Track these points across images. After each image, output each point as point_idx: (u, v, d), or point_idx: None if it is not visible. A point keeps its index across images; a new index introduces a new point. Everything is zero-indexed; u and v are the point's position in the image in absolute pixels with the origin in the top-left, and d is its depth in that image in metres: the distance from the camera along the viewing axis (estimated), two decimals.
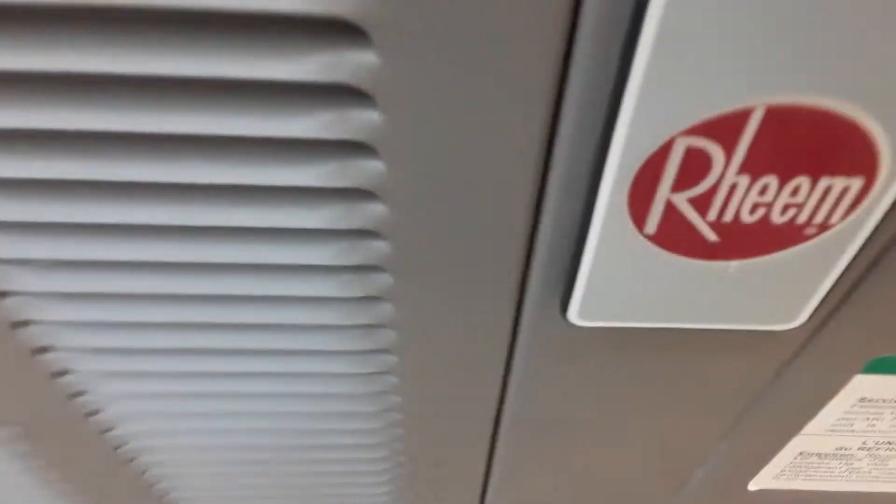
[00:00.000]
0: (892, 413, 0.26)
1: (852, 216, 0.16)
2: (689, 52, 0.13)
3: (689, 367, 0.23)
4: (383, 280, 0.19)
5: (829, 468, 0.30)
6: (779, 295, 0.19)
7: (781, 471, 0.31)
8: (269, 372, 0.23)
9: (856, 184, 0.16)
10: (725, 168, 0.15)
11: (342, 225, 0.17)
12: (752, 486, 0.32)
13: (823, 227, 0.17)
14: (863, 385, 0.24)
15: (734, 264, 0.18)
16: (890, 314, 0.21)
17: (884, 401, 0.25)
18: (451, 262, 0.19)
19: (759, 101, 0.14)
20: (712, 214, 0.16)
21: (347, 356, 0.23)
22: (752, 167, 0.15)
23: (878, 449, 0.29)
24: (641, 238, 0.17)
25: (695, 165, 0.15)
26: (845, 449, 0.29)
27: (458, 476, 0.33)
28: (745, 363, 0.23)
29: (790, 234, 0.17)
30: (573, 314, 0.20)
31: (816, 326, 0.21)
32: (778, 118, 0.14)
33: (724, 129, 0.15)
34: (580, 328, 0.21)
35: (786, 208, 0.16)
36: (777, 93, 0.14)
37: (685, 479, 0.33)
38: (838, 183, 0.16)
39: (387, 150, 0.16)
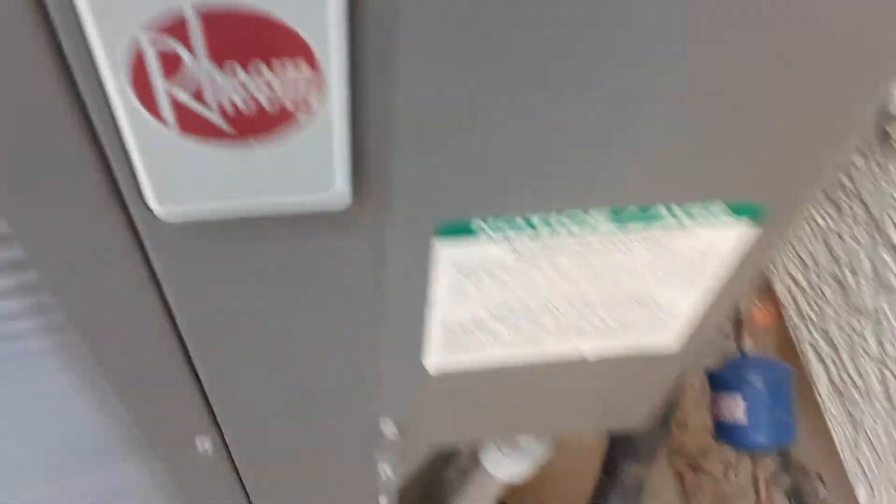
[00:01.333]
0: (492, 278, 0.32)
1: (321, 97, 0.22)
2: None
3: (293, 257, 0.28)
4: None
5: (477, 338, 0.36)
6: (309, 168, 0.24)
7: (441, 345, 0.37)
8: None
9: (303, 64, 0.21)
10: (196, 62, 0.20)
11: None
12: (428, 362, 0.38)
13: (306, 108, 0.22)
14: (450, 252, 0.30)
15: (257, 146, 0.23)
16: (434, 178, 0.27)
17: (477, 266, 0.31)
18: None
19: (187, 4, 0.19)
20: (211, 102, 0.21)
21: None
22: (217, 54, 0.20)
23: (502, 316, 0.35)
24: (164, 127, 0.22)
25: (171, 61, 0.20)
26: (477, 317, 0.35)
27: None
28: (335, 243, 0.28)
29: (285, 117, 0.22)
30: (154, 205, 0.24)
31: (370, 201, 0.27)
32: (212, 18, 0.19)
33: (176, 29, 0.19)
34: (179, 229, 0.25)
35: (269, 88, 0.21)
36: None
37: (375, 374, 0.38)
38: (293, 64, 0.21)
39: None
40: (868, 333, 0.86)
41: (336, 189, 0.25)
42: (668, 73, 0.23)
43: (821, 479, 1.09)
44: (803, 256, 0.99)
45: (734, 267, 0.34)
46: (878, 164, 0.80)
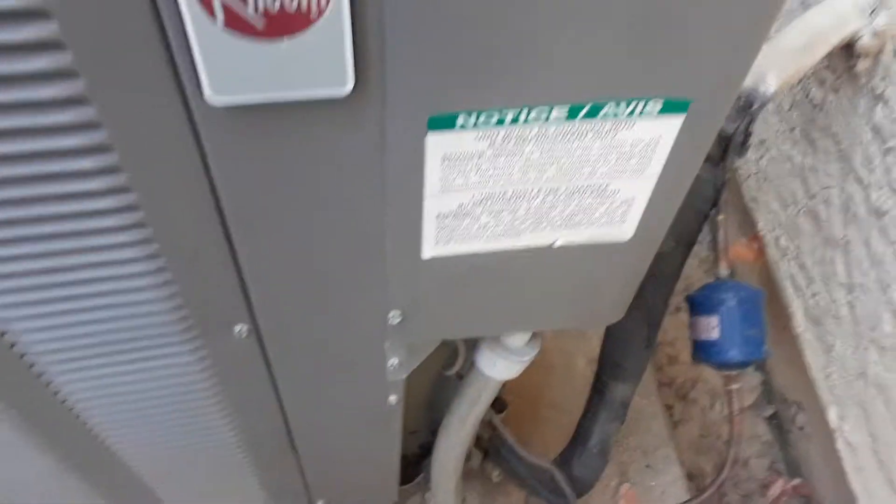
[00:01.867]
0: (474, 167, 0.40)
1: (332, 2, 0.29)
2: None
3: (311, 142, 0.35)
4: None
5: (466, 227, 0.44)
6: (323, 62, 0.31)
7: (436, 237, 0.44)
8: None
9: None
10: None
11: None
12: (425, 253, 0.45)
13: (320, 10, 0.29)
14: (439, 143, 0.37)
15: (284, 43, 0.30)
16: (419, 75, 0.34)
17: (460, 156, 0.39)
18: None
19: None
20: (250, 7, 0.28)
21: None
22: None
23: (484, 203, 0.42)
24: (219, 30, 0.29)
25: None
26: (463, 205, 0.42)
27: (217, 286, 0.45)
28: (345, 135, 0.35)
29: (303, 19, 0.29)
30: (207, 92, 0.31)
31: (371, 92, 0.34)
32: None
33: None
34: (224, 112, 0.33)
35: (291, 1, 0.29)
36: None
37: (382, 260, 0.45)
38: None
39: None
40: (838, 262, 0.93)
41: (349, 85, 0.32)
42: None
43: (799, 407, 1.17)
44: (783, 194, 1.05)
45: (675, 158, 0.41)
46: (848, 100, 0.87)
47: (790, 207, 1.04)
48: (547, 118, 0.37)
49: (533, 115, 0.37)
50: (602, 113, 0.37)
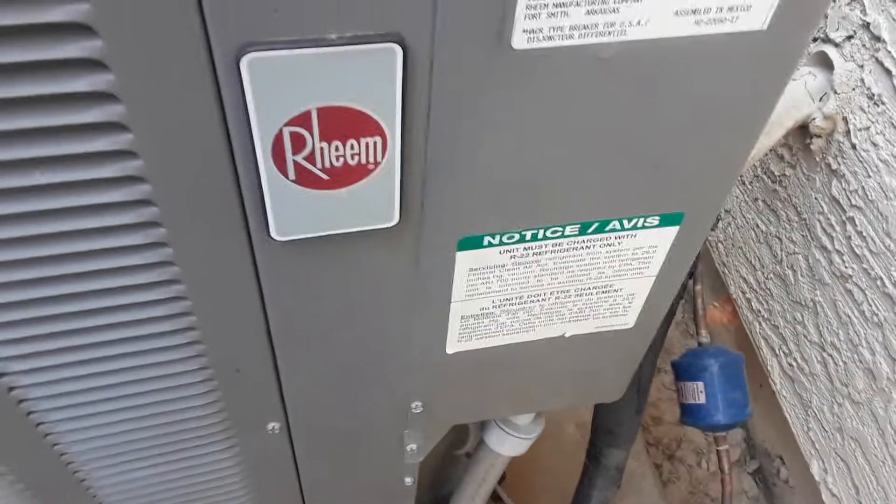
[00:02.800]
0: (496, 277, 0.44)
1: (386, 156, 0.34)
2: (272, 91, 0.30)
3: (355, 263, 0.40)
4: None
5: (486, 326, 0.48)
6: (376, 203, 0.36)
7: (459, 335, 0.48)
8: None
9: (377, 138, 0.33)
10: (314, 140, 0.32)
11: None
12: (449, 349, 0.50)
13: (376, 163, 0.34)
14: (466, 259, 0.42)
15: (344, 191, 0.35)
16: (454, 208, 0.39)
17: (484, 268, 0.43)
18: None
19: (311, 106, 0.31)
20: (318, 165, 0.33)
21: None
22: (327, 136, 0.32)
23: (503, 305, 0.47)
24: (290, 183, 0.34)
25: (299, 139, 0.32)
26: (484, 308, 0.47)
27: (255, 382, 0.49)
28: (386, 258, 0.40)
29: (363, 169, 0.34)
30: (274, 232, 0.36)
31: (412, 223, 0.39)
32: (326, 111, 0.31)
33: (304, 120, 0.31)
34: (286, 244, 0.37)
35: (353, 155, 0.33)
36: (321, 100, 0.31)
37: (408, 357, 0.50)
38: (372, 139, 0.33)
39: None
40: (809, 323, 1.00)
41: (395, 220, 0.37)
42: (610, 139, 0.36)
43: (781, 461, 1.21)
44: (751, 259, 1.12)
45: (671, 258, 0.46)
46: (805, 175, 0.94)
47: (759, 272, 1.11)
48: (561, 234, 0.42)
49: (549, 233, 0.42)
50: (609, 227, 0.43)
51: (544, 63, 0.32)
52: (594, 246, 0.44)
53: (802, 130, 0.91)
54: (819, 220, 0.95)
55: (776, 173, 1.02)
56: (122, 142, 0.31)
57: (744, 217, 1.13)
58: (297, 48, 0.29)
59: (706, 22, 0.32)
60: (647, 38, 0.32)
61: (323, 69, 0.30)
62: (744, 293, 1.17)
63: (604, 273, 0.46)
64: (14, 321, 0.38)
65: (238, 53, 0.28)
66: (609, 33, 0.32)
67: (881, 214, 0.84)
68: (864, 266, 0.88)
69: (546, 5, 0.30)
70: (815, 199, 0.94)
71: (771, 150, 1.00)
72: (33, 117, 0.29)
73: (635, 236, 0.44)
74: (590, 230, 0.42)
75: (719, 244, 1.21)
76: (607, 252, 0.45)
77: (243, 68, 0.29)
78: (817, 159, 0.92)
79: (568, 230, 0.42)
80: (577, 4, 0.30)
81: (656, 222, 0.43)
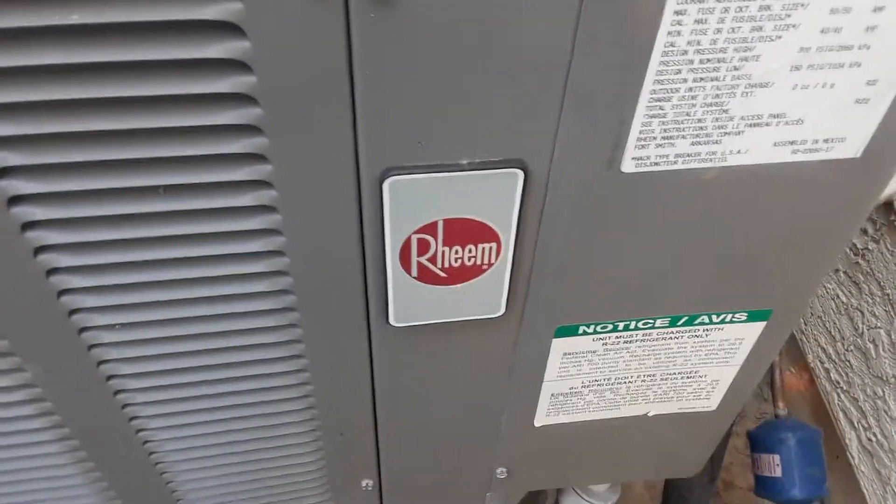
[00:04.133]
0: (587, 360, 0.47)
1: (499, 259, 0.37)
2: (406, 205, 0.34)
3: (460, 346, 0.44)
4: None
5: (573, 403, 0.51)
6: (486, 298, 0.40)
7: (547, 410, 0.51)
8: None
9: (493, 244, 0.37)
10: (437, 244, 0.36)
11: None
12: (537, 422, 0.53)
13: (489, 264, 0.38)
14: (561, 345, 0.45)
15: (459, 286, 0.39)
16: (555, 302, 0.42)
17: (577, 353, 0.46)
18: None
19: (438, 218, 0.35)
20: (439, 265, 0.37)
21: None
22: (449, 242, 0.36)
23: (591, 386, 0.50)
24: (412, 279, 0.38)
25: (424, 244, 0.36)
26: (573, 388, 0.50)
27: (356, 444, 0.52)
28: (488, 342, 0.44)
29: (477, 269, 0.38)
30: (392, 320, 0.40)
31: (516, 313, 0.42)
32: (451, 222, 0.35)
33: (430, 228, 0.35)
34: (401, 329, 0.41)
35: (470, 258, 0.37)
36: (448, 213, 0.35)
37: (498, 427, 0.53)
38: (488, 245, 0.37)
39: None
40: (890, 399, 0.98)
41: (501, 311, 0.41)
42: (705, 247, 0.39)
43: None
44: (831, 330, 1.11)
45: (757, 349, 0.48)
46: (889, 250, 0.94)
47: (839, 343, 1.10)
48: (652, 326, 0.45)
49: (641, 324, 0.45)
50: (697, 321, 0.45)
51: (649, 184, 0.35)
52: (682, 336, 0.46)
53: (887, 206, 0.91)
54: None
55: (859, 246, 1.01)
56: (271, 221, 0.35)
57: (824, 287, 1.12)
58: (433, 172, 0.33)
59: (803, 151, 0.35)
60: (747, 164, 0.35)
61: (452, 188, 0.34)
62: (822, 363, 1.15)
63: (689, 360, 0.48)
64: (157, 371, 0.43)
65: (382, 176, 0.33)
66: (711, 160, 0.35)
67: None
68: None
69: (654, 137, 0.33)
70: None
71: None
72: (197, 200, 0.33)
73: (723, 329, 0.46)
74: (679, 322, 0.45)
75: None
76: (694, 342, 0.47)
77: (385, 188, 0.33)
78: None
79: (659, 322, 0.45)
80: (683, 137, 0.33)
81: (744, 318, 0.45)
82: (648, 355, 0.48)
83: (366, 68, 0.29)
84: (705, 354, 0.48)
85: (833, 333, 1.11)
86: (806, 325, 1.18)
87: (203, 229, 0.34)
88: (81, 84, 0.28)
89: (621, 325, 0.45)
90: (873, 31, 0.30)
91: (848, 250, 1.04)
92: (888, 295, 0.97)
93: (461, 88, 0.30)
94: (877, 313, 1.00)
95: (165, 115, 0.29)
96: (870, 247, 0.99)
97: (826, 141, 0.35)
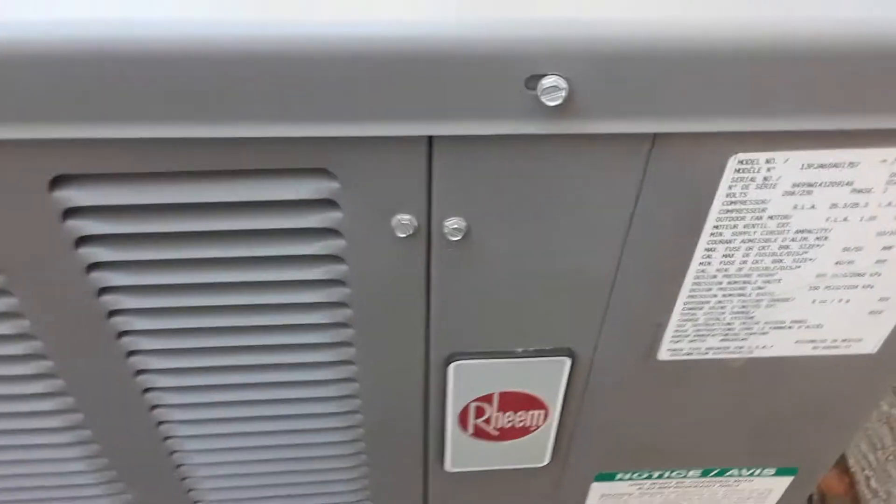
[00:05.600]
0: (623, 502, 0.51)
1: (546, 422, 0.42)
2: (467, 381, 0.39)
3: (508, 486, 0.48)
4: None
5: None
6: (532, 452, 0.44)
7: None
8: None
9: (541, 411, 0.41)
10: (493, 410, 0.41)
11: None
12: None
13: (537, 426, 0.42)
14: (600, 488, 0.49)
15: (508, 443, 0.43)
16: (595, 455, 0.46)
17: (614, 495, 0.50)
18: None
19: (494, 391, 0.40)
20: (493, 426, 0.42)
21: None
22: (503, 409, 0.41)
23: None
24: (468, 436, 0.42)
25: (481, 410, 0.41)
26: None
27: None
28: (534, 485, 0.48)
29: (526, 430, 0.43)
30: (448, 466, 0.45)
31: (558, 463, 0.46)
32: (505, 394, 0.40)
33: (487, 398, 0.40)
34: (454, 473, 0.46)
35: (521, 421, 0.42)
36: (503, 388, 0.40)
37: None
38: (537, 411, 0.41)
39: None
40: None
41: (546, 461, 0.45)
42: (735, 417, 0.43)
43: None
44: (872, 437, 1.12)
45: (785, 499, 0.51)
46: None
47: (879, 451, 1.10)
48: (684, 476, 0.49)
49: (675, 474, 0.48)
50: (728, 473, 0.49)
51: (684, 369, 0.40)
52: (714, 486, 0.50)
53: None
54: None
55: None
56: (350, 389, 0.41)
57: None
58: (491, 358, 0.38)
59: (822, 348, 0.39)
60: (772, 356, 0.39)
61: (508, 370, 0.39)
62: (863, 469, 1.15)
63: (721, 503, 0.52)
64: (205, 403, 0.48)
65: (447, 360, 0.38)
66: (739, 352, 0.39)
67: None
68: None
69: (687, 335, 0.38)
70: None
71: None
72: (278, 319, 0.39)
73: (752, 481, 0.50)
74: (711, 474, 0.49)
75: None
76: (725, 490, 0.50)
77: (449, 371, 0.38)
78: None
79: (691, 473, 0.48)
80: (713, 335, 0.38)
81: (773, 472, 0.49)
82: (682, 499, 0.51)
83: (440, 286, 0.34)
84: (736, 499, 0.52)
85: (874, 441, 1.12)
86: None
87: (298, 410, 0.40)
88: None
89: (656, 475, 0.48)
90: (883, 263, 0.35)
91: None
92: None
93: (518, 300, 0.35)
94: None
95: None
96: None
97: (844, 341, 0.39)
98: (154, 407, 0.41)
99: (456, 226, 0.31)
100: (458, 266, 0.33)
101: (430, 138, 0.28)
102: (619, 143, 0.29)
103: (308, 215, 0.31)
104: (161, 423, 0.42)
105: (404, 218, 0.31)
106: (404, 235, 0.31)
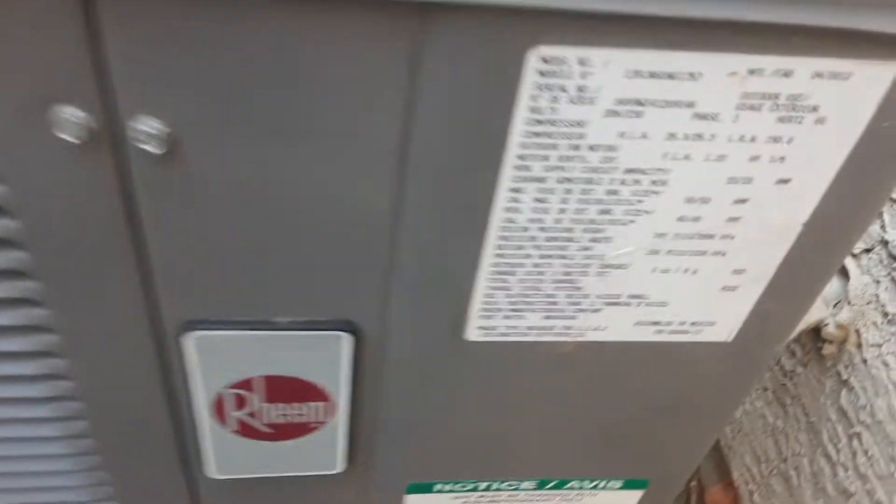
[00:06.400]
0: None
1: (332, 417, 0.33)
2: (214, 362, 0.30)
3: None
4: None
5: None
6: (320, 454, 0.35)
7: None
8: None
9: (322, 403, 0.32)
10: (258, 401, 0.32)
11: None
12: None
13: (320, 422, 0.33)
14: (414, 501, 0.41)
15: (290, 442, 0.34)
16: (404, 459, 0.38)
17: None
18: None
19: (254, 375, 0.31)
20: (262, 420, 0.33)
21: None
22: (271, 399, 0.32)
23: None
24: (229, 433, 0.33)
25: (241, 400, 0.32)
26: None
27: None
28: (334, 497, 0.39)
29: (306, 427, 0.33)
30: (211, 472, 0.35)
31: (361, 469, 0.37)
32: (271, 379, 0.31)
33: (246, 385, 0.31)
34: (226, 480, 0.36)
35: (298, 415, 0.33)
36: (266, 371, 0.31)
37: None
38: (316, 403, 0.32)
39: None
40: None
41: (339, 468, 0.36)
42: (569, 415, 0.35)
43: None
44: (756, 450, 1.08)
45: None
46: (815, 378, 0.92)
47: (763, 465, 1.06)
48: (517, 488, 0.41)
49: (505, 485, 0.40)
50: (568, 486, 0.41)
51: (499, 353, 0.32)
52: (553, 500, 0.42)
53: (815, 332, 0.89)
54: (826, 428, 0.91)
55: (787, 368, 0.99)
56: (68, 409, 0.31)
57: (753, 403, 1.09)
58: (242, 329, 0.29)
59: (668, 333, 0.32)
60: (608, 341, 0.32)
61: (269, 347, 0.30)
62: (747, 483, 1.11)
63: None
64: None
65: (181, 330, 0.28)
66: (567, 335, 0.31)
67: (888, 438, 0.80)
68: (868, 487, 0.83)
69: (501, 309, 0.30)
70: (824, 403, 0.91)
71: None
72: None
73: (596, 495, 0.42)
74: (548, 486, 0.41)
75: (726, 426, 1.17)
76: None
77: (186, 345, 0.29)
78: (828, 365, 0.89)
79: (525, 485, 0.40)
80: (533, 310, 0.30)
81: (619, 485, 0.41)
82: None
83: (153, 226, 0.25)
84: None
85: (759, 454, 1.08)
86: (734, 440, 1.15)
87: None
88: None
89: (483, 486, 0.40)
90: (736, 222, 0.27)
91: (777, 369, 1.02)
92: (812, 423, 0.94)
93: (267, 247, 0.26)
94: (800, 440, 0.97)
95: None
96: (797, 370, 0.96)
97: (693, 324, 0.31)
98: None
99: (151, 130, 0.22)
100: (170, 195, 0.24)
101: None
102: (373, 13, 0.20)
103: None
104: None
105: (66, 111, 0.21)
106: (76, 141, 0.22)
